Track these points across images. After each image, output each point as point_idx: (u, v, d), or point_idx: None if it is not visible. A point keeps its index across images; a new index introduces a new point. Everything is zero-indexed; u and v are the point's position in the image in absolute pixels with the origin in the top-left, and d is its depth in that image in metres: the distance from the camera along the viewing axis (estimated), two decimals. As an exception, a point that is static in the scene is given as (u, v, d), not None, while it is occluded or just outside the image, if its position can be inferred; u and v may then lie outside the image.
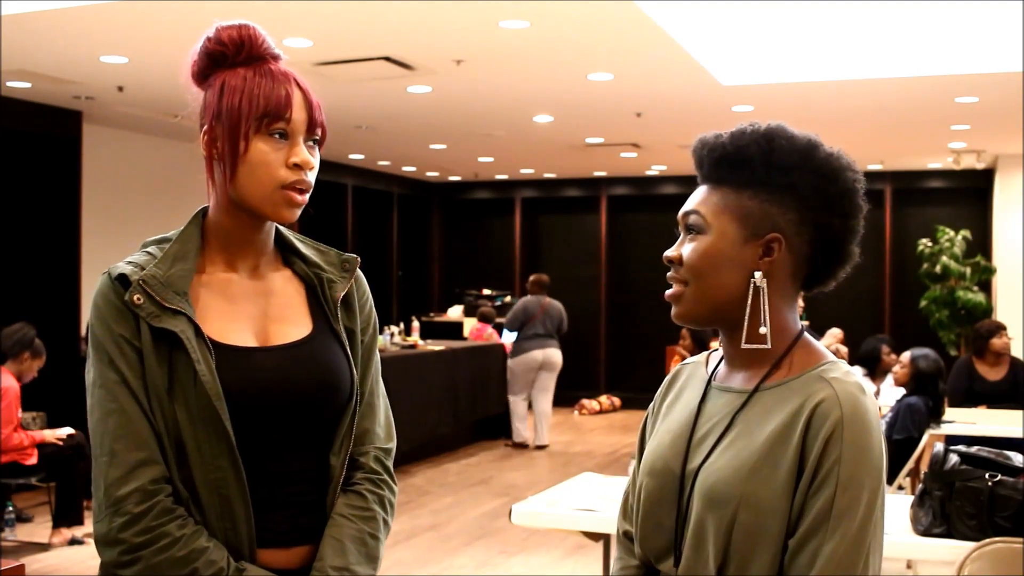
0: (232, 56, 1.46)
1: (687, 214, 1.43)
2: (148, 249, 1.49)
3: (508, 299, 10.45)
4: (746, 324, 1.39)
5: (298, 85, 1.46)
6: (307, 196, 1.47)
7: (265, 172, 1.43)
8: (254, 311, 1.51)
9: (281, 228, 1.57)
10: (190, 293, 1.45)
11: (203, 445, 1.39)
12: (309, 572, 1.47)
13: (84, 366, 1.46)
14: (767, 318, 1.38)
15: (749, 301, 1.38)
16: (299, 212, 1.47)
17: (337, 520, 1.50)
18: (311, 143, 1.47)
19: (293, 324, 1.52)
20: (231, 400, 1.40)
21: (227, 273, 1.51)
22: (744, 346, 1.39)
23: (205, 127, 1.46)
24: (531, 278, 9.85)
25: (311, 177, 1.46)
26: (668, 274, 1.44)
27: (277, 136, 1.43)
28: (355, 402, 1.53)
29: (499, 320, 10.46)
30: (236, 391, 1.41)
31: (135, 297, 1.40)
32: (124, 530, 1.35)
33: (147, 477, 1.36)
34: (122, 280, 1.42)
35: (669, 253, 1.44)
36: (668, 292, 1.44)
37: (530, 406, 9.62)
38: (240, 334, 1.48)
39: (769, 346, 1.38)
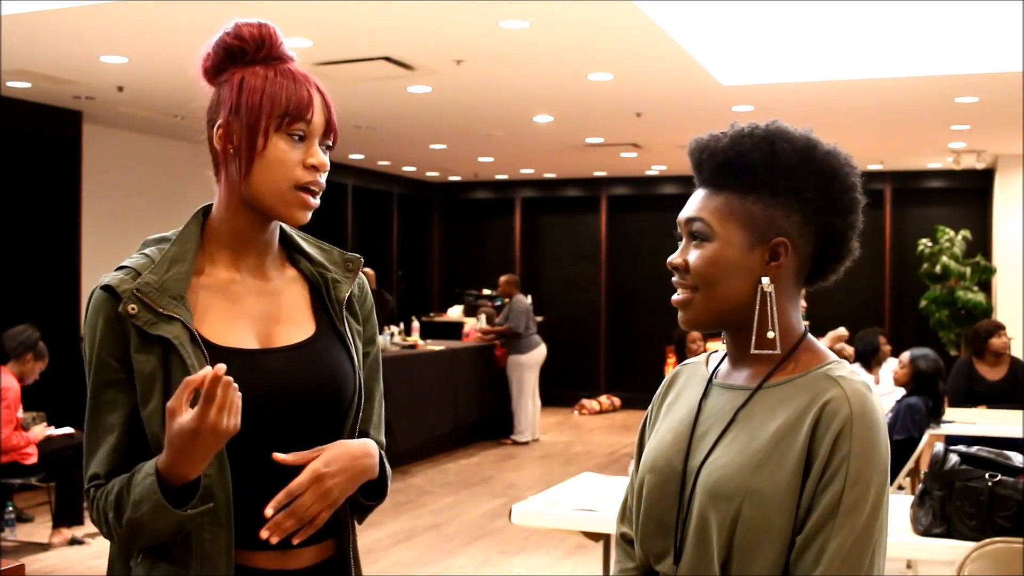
0: (252, 53, 1.45)
1: (690, 220, 1.42)
2: (146, 251, 1.48)
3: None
4: (755, 330, 1.39)
5: (318, 89, 1.46)
6: (318, 200, 1.46)
7: (281, 170, 1.42)
8: (257, 312, 1.49)
9: (285, 227, 1.56)
10: (189, 295, 1.44)
11: None
12: (308, 574, 1.48)
13: (84, 366, 1.47)
14: (776, 322, 1.38)
15: (757, 307, 1.38)
16: (310, 215, 1.46)
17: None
18: (324, 148, 1.47)
19: (296, 325, 1.51)
20: None
21: (229, 273, 1.49)
22: (754, 351, 1.40)
23: (220, 122, 1.45)
24: (509, 278, 10.00)
25: (324, 180, 1.46)
26: (674, 279, 1.44)
27: (295, 138, 1.43)
28: (359, 403, 1.52)
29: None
30: None
31: (130, 307, 1.40)
32: (100, 524, 1.46)
33: (91, 483, 1.44)
34: (113, 292, 1.42)
35: (674, 260, 1.43)
36: (675, 298, 1.44)
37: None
38: (241, 336, 1.46)
39: (779, 351, 1.39)
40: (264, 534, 1.39)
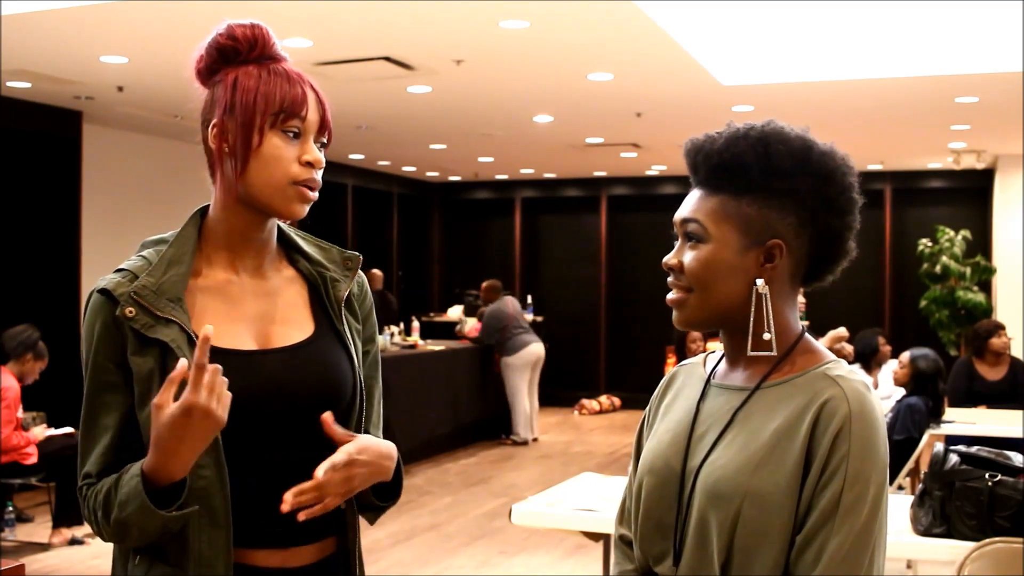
0: (244, 53, 1.46)
1: (686, 221, 1.42)
2: (144, 253, 1.48)
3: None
4: (751, 331, 1.39)
5: (311, 87, 1.47)
6: (316, 194, 1.47)
7: (277, 167, 1.42)
8: (255, 312, 1.49)
9: (283, 226, 1.56)
10: (187, 297, 1.44)
11: None
12: (310, 571, 1.48)
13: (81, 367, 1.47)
14: (771, 324, 1.38)
15: (753, 308, 1.38)
16: (307, 209, 1.47)
17: None
18: (319, 145, 1.48)
19: (295, 325, 1.50)
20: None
21: (227, 274, 1.49)
22: (750, 353, 1.40)
23: (214, 122, 1.45)
24: (489, 284, 9.94)
25: (319, 177, 1.47)
26: (669, 280, 1.44)
27: (290, 135, 1.43)
28: (360, 402, 1.52)
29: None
30: (233, 395, 1.38)
31: (127, 311, 1.40)
32: (91, 522, 1.49)
33: (84, 482, 1.50)
34: (110, 296, 1.42)
35: (669, 260, 1.43)
36: (670, 298, 1.44)
37: None
38: (239, 337, 1.46)
39: (775, 352, 1.39)
40: (285, 507, 1.36)
